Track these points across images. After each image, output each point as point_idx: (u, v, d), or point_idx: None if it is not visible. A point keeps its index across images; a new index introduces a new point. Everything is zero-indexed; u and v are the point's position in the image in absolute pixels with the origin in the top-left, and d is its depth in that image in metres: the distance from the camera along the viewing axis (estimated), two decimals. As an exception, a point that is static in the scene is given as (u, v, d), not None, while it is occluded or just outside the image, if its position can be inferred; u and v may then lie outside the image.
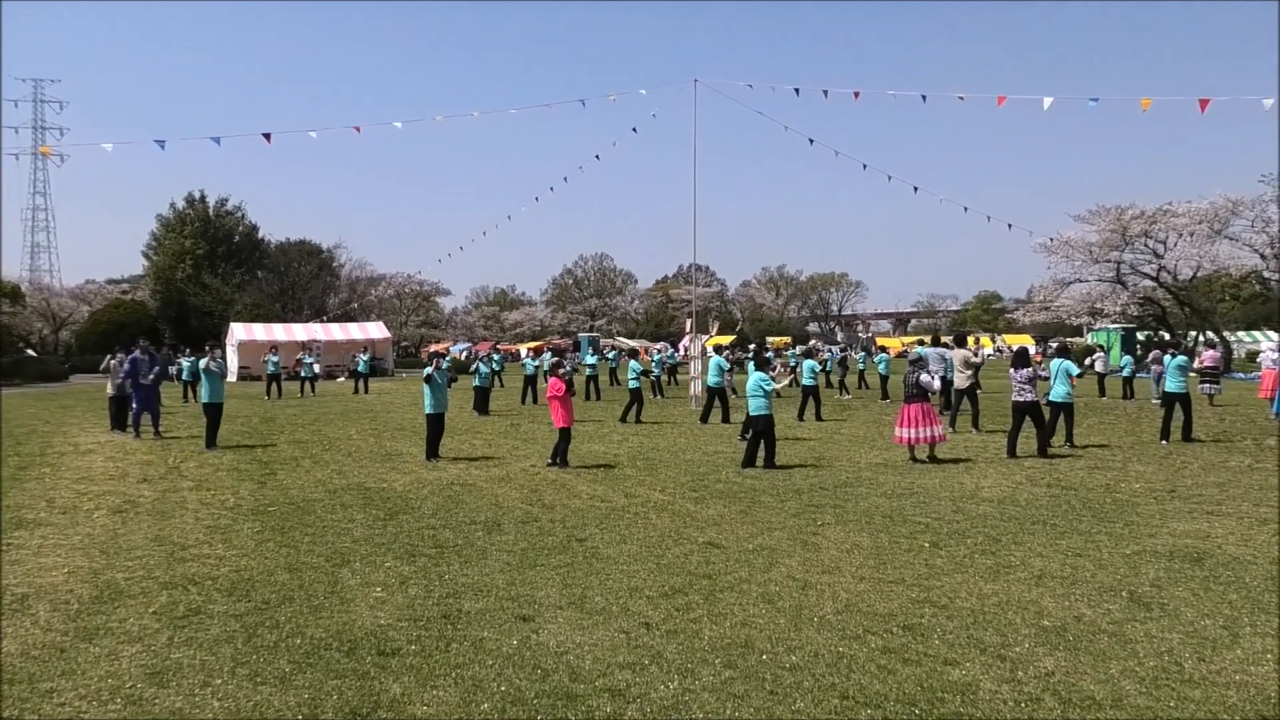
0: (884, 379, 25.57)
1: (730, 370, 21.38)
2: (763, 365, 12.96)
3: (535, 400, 25.45)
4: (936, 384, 13.07)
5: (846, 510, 9.48)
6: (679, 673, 5.00)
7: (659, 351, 42.06)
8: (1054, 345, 20.80)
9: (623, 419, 19.60)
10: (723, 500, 10.14)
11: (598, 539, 8.23)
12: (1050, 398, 14.29)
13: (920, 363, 13.28)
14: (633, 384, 20.39)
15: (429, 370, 13.66)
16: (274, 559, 7.63)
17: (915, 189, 26.24)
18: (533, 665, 5.13)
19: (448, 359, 22.20)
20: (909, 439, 12.77)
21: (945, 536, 8.22)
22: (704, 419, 19.08)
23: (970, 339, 39.12)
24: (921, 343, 26.14)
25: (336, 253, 79.17)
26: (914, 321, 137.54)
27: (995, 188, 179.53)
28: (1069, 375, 14.41)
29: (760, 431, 12.54)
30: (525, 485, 11.31)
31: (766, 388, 12.58)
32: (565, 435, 12.80)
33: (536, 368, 26.67)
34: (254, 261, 70.49)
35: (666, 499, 10.27)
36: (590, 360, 29.94)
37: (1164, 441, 14.84)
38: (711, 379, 19.76)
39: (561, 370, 13.55)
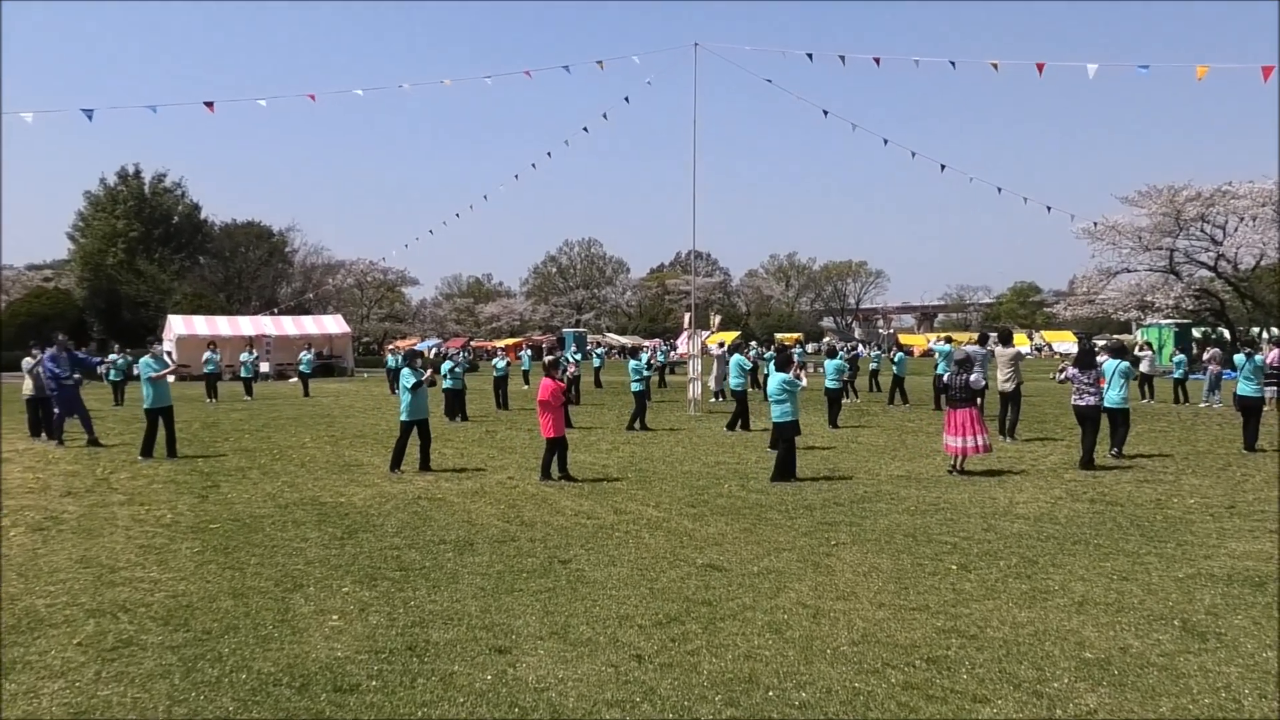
0: (898, 381, 25.52)
1: (753, 370, 21.55)
2: (784, 365, 12.99)
3: (505, 404, 25.47)
4: (980, 383, 13.14)
5: (864, 528, 9.50)
6: (674, 711, 5.01)
7: (649, 350, 41.99)
8: (1098, 343, 20.85)
9: (630, 426, 19.60)
10: (725, 517, 10.15)
11: (583, 561, 8.23)
12: (1105, 403, 14.32)
13: (968, 363, 13.30)
14: (636, 387, 20.36)
15: (414, 378, 13.63)
16: (216, 583, 7.62)
17: (942, 167, 26.28)
18: (509, 703, 5.13)
19: (446, 365, 22.21)
20: (960, 449, 12.78)
21: (975, 558, 8.24)
22: (732, 426, 19.10)
23: (1021, 335, 39.28)
24: (949, 340, 26.09)
25: (289, 236, 79.16)
26: (941, 316, 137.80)
27: (1033, 167, 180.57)
28: (1125, 378, 14.52)
29: (787, 441, 12.56)
30: (502, 500, 11.29)
31: (792, 389, 12.64)
32: (553, 446, 12.72)
33: (508, 367, 26.65)
34: (195, 245, 70.37)
35: (661, 515, 10.27)
36: (575, 358, 29.99)
37: (1248, 452, 14.93)
38: (734, 381, 19.93)
39: (560, 371, 13.51)
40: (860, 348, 37.89)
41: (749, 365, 20.31)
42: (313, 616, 6.70)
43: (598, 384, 34.12)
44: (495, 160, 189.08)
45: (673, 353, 45.81)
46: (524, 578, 7.67)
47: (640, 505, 10.90)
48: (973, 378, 12.98)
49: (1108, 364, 14.70)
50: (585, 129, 28.86)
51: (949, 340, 25.64)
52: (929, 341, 61.23)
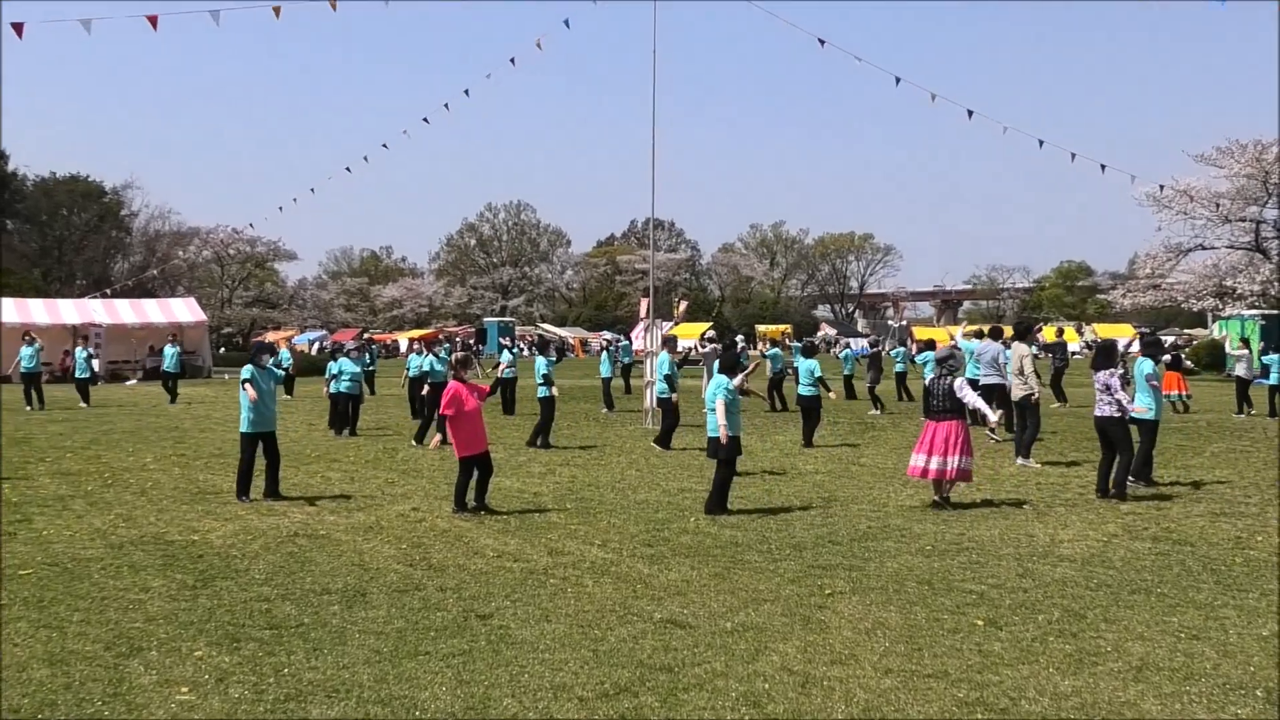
0: (899, 377, 25.57)
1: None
2: (731, 367, 13.07)
3: (422, 413, 25.38)
4: (970, 396, 13.10)
5: (867, 573, 9.54)
6: (623, 808, 5.02)
7: (609, 345, 41.97)
8: (1166, 339, 21.08)
9: (533, 441, 19.71)
10: (690, 559, 10.15)
11: (508, 616, 8.21)
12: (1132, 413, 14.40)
13: (950, 363, 13.39)
14: (542, 392, 20.23)
15: (249, 371, 13.65)
16: (28, 647, 7.49)
17: (970, 113, 26.35)
18: (410, 799, 5.12)
19: (284, 355, 22.05)
20: (928, 470, 12.95)
21: (1007, 611, 8.27)
22: (661, 441, 19.34)
23: (1050, 329, 39.51)
24: (981, 334, 26.16)
25: (126, 196, 78.15)
26: (967, 304, 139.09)
27: (1082, 116, 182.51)
28: (1150, 380, 14.68)
29: (723, 461, 12.73)
30: (404, 538, 11.25)
31: (728, 398, 12.67)
32: (467, 468, 12.69)
33: (420, 367, 26.55)
34: (1, 206, 69.15)
35: (609, 557, 10.28)
36: (511, 354, 29.96)
37: None
38: (659, 386, 20.28)
39: (470, 371, 13.31)
40: (881, 344, 37.96)
41: (667, 369, 20.20)
42: (155, 689, 6.62)
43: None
44: (399, 101, 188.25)
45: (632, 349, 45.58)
46: (432, 637, 7.65)
47: (582, 544, 10.89)
48: (958, 383, 13.06)
49: (1136, 363, 14.95)
50: (512, 60, 28.63)
51: (980, 335, 25.69)
52: (952, 337, 61.12)
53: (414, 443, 20.11)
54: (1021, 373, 17.08)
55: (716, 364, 13.38)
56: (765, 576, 9.43)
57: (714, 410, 12.73)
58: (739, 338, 35.37)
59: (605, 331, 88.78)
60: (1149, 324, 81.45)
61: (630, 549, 10.66)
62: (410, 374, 26.51)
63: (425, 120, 31.85)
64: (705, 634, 7.70)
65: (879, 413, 26.80)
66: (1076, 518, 12.27)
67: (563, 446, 19.66)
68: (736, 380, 12.93)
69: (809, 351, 21.68)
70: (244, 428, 13.73)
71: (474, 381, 13.04)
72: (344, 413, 22.36)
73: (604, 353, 32.36)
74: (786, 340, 70.60)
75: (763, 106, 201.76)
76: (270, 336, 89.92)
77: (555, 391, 20.35)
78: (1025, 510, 12.74)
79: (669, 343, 22.21)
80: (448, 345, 25.27)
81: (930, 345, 27.69)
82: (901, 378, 32.02)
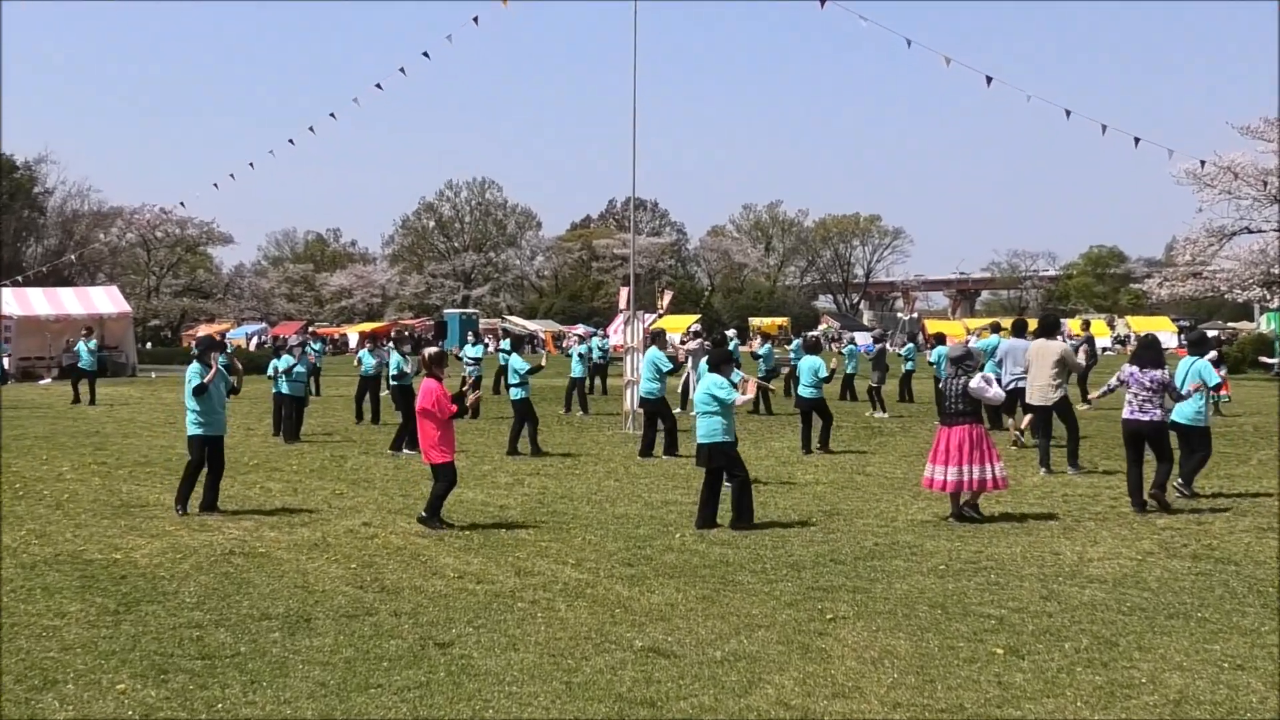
0: (905, 376, 25.51)
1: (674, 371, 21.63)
2: (721, 364, 13.12)
3: (375, 418, 25.60)
4: (994, 392, 13.19)
5: (873, 596, 9.55)
6: None
7: (581, 340, 41.90)
8: (1210, 332, 21.12)
9: (527, 448, 19.67)
10: (675, 580, 10.15)
11: (471, 643, 8.18)
12: (1172, 416, 14.55)
13: (966, 361, 13.43)
14: (517, 394, 20.25)
15: (198, 376, 13.56)
16: (-73, 679, 7.43)
17: (989, 80, 26.38)
18: None
19: (285, 361, 22.00)
20: (946, 481, 12.97)
21: (1029, 638, 8.27)
22: (645, 452, 19.37)
23: (1076, 323, 39.58)
24: (998, 329, 26.12)
25: (40, 171, 77.64)
26: (986, 294, 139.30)
27: (1113, 83, 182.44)
28: (1204, 382, 14.65)
29: (718, 470, 12.76)
30: (353, 556, 11.23)
31: (723, 397, 12.69)
32: (449, 476, 12.85)
33: (374, 366, 26.40)
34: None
35: (584, 578, 10.28)
36: (473, 354, 29.89)
37: None
38: (645, 387, 20.19)
39: (441, 368, 13.29)
40: (886, 339, 37.97)
41: (668, 365, 20.40)
42: (72, 727, 6.55)
43: (497, 389, 34.10)
44: (350, 65, 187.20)
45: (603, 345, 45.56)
46: (385, 668, 7.61)
47: (554, 563, 10.89)
48: (974, 383, 13.08)
49: (1183, 362, 14.96)
50: (475, 20, 28.43)
51: (996, 330, 25.66)
52: (969, 334, 60.92)
53: (391, 451, 19.98)
54: (1062, 373, 17.12)
55: (704, 362, 13.38)
56: (759, 599, 9.42)
57: (706, 414, 12.74)
58: (729, 332, 35.04)
59: (580, 325, 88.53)
60: (1189, 316, 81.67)
61: (608, 568, 10.66)
62: (364, 374, 26.19)
63: (378, 86, 31.49)
64: (692, 664, 7.68)
65: (884, 414, 26.87)
66: (1107, 533, 12.30)
67: (531, 453, 19.60)
68: (751, 390, 12.88)
69: (812, 348, 21.70)
70: (192, 430, 13.69)
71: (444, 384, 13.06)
72: (289, 417, 22.30)
73: (576, 349, 32.04)
74: (781, 335, 70.49)
75: (757, 72, 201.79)
76: (204, 330, 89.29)
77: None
78: (1050, 525, 12.75)
79: (657, 337, 22.19)
80: (409, 345, 24.94)
81: (940, 340, 27.67)
82: (907, 377, 31.89)
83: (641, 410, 20.66)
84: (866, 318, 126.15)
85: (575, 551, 11.46)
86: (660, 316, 35.69)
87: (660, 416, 19.69)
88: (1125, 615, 8.88)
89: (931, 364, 27.13)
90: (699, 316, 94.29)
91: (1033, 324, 19.03)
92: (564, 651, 8.00)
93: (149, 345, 73.66)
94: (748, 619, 8.82)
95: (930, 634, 8.37)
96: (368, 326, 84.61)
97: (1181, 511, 13.54)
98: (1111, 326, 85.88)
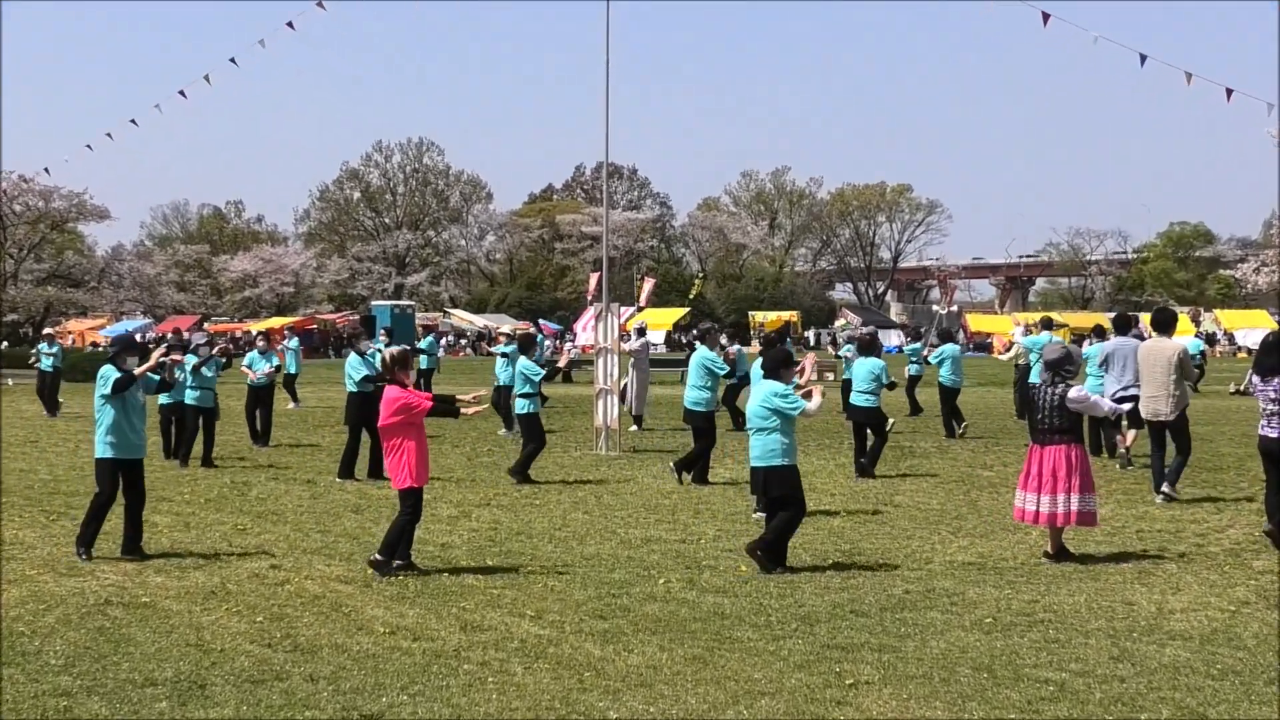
0: (949, 395, 24.79)
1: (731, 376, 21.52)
2: (778, 368, 12.44)
3: (265, 437, 23.91)
4: (1108, 406, 12.94)
5: (903, 656, 8.90)
6: None
7: (509, 339, 40.81)
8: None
9: (520, 473, 18.56)
10: (659, 637, 9.49)
11: (405, 715, 7.68)
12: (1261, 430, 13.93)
13: (1066, 366, 12.69)
14: (523, 406, 19.08)
15: (107, 379, 12.57)
16: None
17: (1045, 18, 24.61)
18: None
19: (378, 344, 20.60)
20: (1038, 514, 12.27)
21: (1097, 708, 7.71)
22: (685, 468, 18.12)
23: (1187, 317, 38.53)
24: (1050, 324, 24.83)
25: None
26: (1041, 282, 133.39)
27: (1197, 23, 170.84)
28: None
29: (777, 499, 12.16)
30: (259, 607, 10.57)
31: (786, 409, 12.06)
32: (417, 505, 12.14)
33: (266, 371, 24.66)
34: None
35: (546, 634, 9.64)
36: (420, 346, 28.60)
37: None
38: (692, 396, 18.80)
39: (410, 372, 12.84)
40: (926, 335, 36.68)
41: (724, 368, 19.51)
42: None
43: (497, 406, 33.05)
44: (254, 2, 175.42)
45: (571, 346, 43.82)
46: (297, 749, 7.19)
47: (508, 615, 10.23)
48: (1074, 392, 12.37)
49: None
50: (291, 25, 26.22)
51: (1049, 326, 24.31)
52: (1014, 330, 57.14)
53: (338, 479, 18.70)
54: (1180, 380, 16.14)
55: (757, 368, 12.93)
56: (763, 660, 8.80)
57: (762, 430, 12.12)
58: (711, 325, 33.16)
59: (547, 321, 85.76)
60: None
61: (575, 622, 10.00)
62: (256, 382, 24.08)
63: (290, 25, 28.95)
64: (680, 741, 7.15)
65: (891, 420, 25.48)
66: (1193, 578, 11.54)
67: (482, 480, 18.79)
68: (809, 365, 12.99)
69: (869, 348, 20.27)
70: (102, 452, 12.79)
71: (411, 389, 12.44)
72: (193, 432, 20.54)
73: (500, 348, 29.36)
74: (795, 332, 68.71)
75: (758, 7, 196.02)
76: (73, 325, 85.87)
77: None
78: (1122, 568, 11.98)
79: (707, 335, 21.14)
80: (369, 344, 22.86)
81: (947, 337, 26.65)
82: (914, 382, 30.57)
83: (688, 424, 19.35)
84: (894, 311, 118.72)
85: (535, 601, 10.79)
86: (639, 310, 34.04)
87: (703, 434, 18.46)
88: (1215, 680, 8.26)
89: (932, 364, 26.33)
90: (688, 309, 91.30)
91: (1145, 319, 18.00)
92: (518, 727, 7.37)
93: (4, 345, 69.09)
94: (749, 685, 8.24)
95: (974, 703, 7.84)
96: (278, 321, 77.87)
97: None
98: (1196, 322, 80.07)
